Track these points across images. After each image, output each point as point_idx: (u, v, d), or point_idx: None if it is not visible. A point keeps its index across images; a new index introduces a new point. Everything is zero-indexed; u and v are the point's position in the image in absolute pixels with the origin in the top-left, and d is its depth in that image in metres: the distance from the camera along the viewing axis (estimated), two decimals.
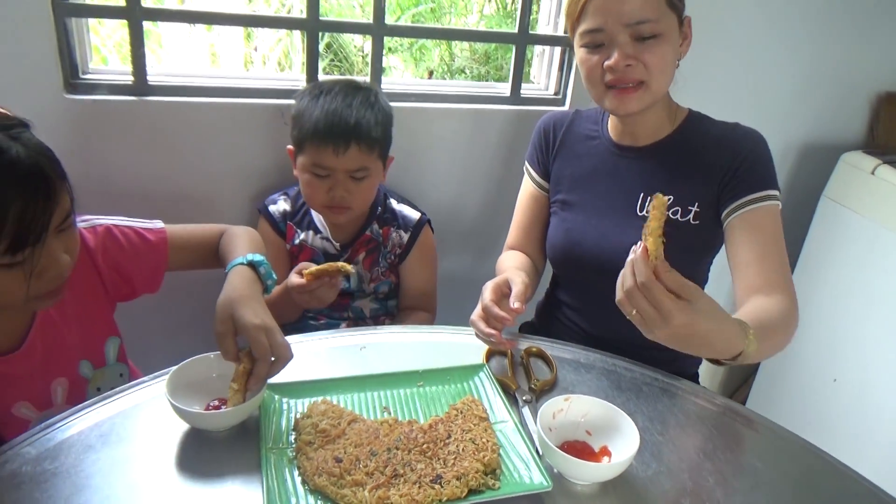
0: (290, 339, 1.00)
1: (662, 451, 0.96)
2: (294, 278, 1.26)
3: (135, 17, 1.42)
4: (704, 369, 2.48)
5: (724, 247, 1.22)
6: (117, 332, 1.19)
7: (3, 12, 1.31)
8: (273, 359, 0.92)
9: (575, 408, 0.94)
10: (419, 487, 0.81)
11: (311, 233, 1.49)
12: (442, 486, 0.82)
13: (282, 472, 0.84)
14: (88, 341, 1.13)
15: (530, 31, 1.69)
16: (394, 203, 1.55)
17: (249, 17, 1.60)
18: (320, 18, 1.52)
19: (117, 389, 0.97)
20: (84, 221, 1.13)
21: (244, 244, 1.16)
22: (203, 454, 0.88)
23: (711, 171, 1.21)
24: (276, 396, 0.97)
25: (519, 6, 1.66)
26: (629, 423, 0.90)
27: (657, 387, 1.11)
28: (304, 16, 1.52)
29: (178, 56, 3.17)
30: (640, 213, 1.26)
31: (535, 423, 0.90)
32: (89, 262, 1.11)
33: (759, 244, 1.15)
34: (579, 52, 1.20)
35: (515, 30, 1.69)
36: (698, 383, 1.44)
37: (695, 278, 1.30)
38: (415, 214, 1.54)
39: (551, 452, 0.86)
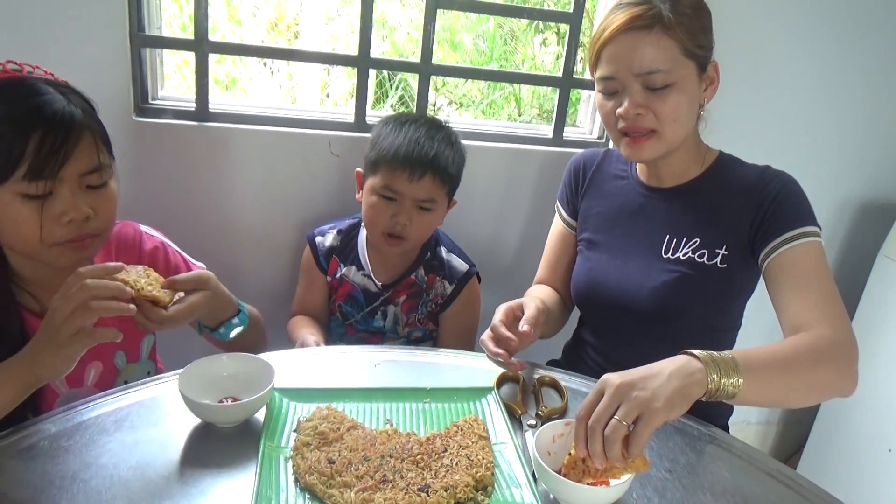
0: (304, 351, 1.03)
1: (667, 487, 0.93)
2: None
3: (201, 49, 1.55)
4: (755, 433, 2.37)
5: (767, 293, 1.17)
6: (153, 332, 1.26)
7: (87, 41, 1.46)
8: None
9: None
10: (405, 494, 0.82)
11: (353, 268, 1.49)
12: (428, 495, 0.82)
13: (276, 468, 0.86)
14: (127, 334, 1.19)
15: (574, 76, 1.73)
16: (443, 251, 1.53)
17: (303, 53, 1.71)
18: (370, 56, 1.61)
19: (138, 381, 1.03)
20: (145, 228, 1.23)
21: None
22: (207, 446, 0.91)
23: (741, 213, 1.18)
24: (285, 400, 1.00)
25: (564, 51, 1.71)
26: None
27: (671, 425, 1.07)
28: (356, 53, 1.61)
29: (261, 89, 3.39)
30: (664, 256, 1.23)
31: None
32: (136, 261, 1.18)
33: (797, 282, 1.10)
34: (597, 97, 1.21)
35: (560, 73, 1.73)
36: (728, 432, 1.37)
37: (725, 323, 1.28)
38: (462, 266, 1.51)
39: (544, 473, 0.85)
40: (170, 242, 1.25)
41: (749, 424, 2.33)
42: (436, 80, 3.88)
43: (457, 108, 4.07)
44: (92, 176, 0.98)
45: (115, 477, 0.83)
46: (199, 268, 1.25)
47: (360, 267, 1.48)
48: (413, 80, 3.71)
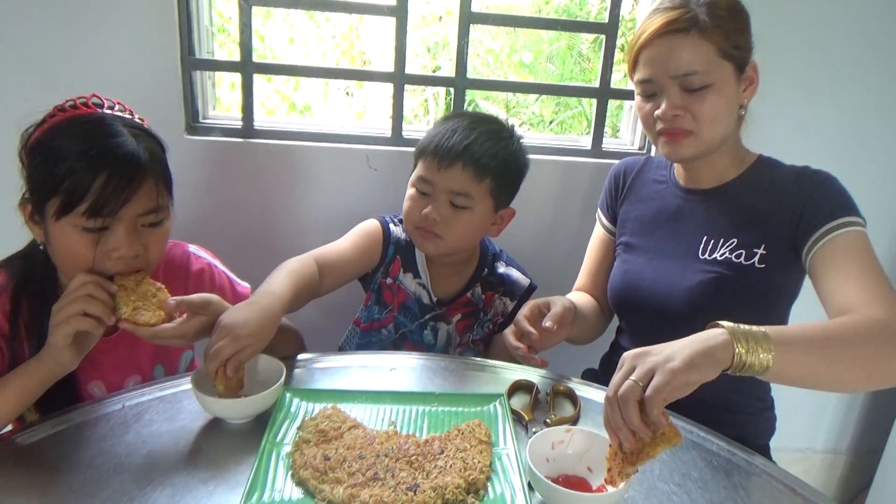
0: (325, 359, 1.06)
1: (674, 501, 0.89)
2: None
3: (247, 70, 1.64)
4: (821, 462, 2.21)
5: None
6: (192, 346, 1.32)
7: (141, 64, 1.57)
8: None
9: (577, 441, 0.91)
10: (392, 492, 0.82)
11: (410, 275, 1.41)
12: (415, 494, 0.82)
13: (274, 462, 0.89)
14: (168, 348, 1.26)
15: (612, 87, 1.71)
16: (501, 267, 1.47)
17: (345, 71, 1.78)
18: (406, 73, 1.66)
19: (161, 379, 1.09)
20: (195, 250, 1.29)
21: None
22: (215, 441, 0.96)
23: (780, 212, 1.16)
24: (295, 399, 1.03)
25: (601, 61, 1.70)
26: None
27: (689, 439, 1.03)
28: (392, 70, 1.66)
29: (336, 110, 3.54)
30: (701, 257, 1.21)
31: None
32: (183, 281, 1.24)
33: (842, 269, 1.05)
34: (636, 99, 1.23)
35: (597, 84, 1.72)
36: (769, 456, 1.30)
37: None
38: (523, 281, 1.45)
39: (535, 478, 0.83)
40: (217, 263, 1.30)
41: (814, 452, 2.19)
42: (508, 101, 3.94)
43: (528, 127, 4.09)
44: (148, 216, 1.04)
45: (126, 465, 0.88)
46: (244, 288, 1.30)
47: (416, 275, 1.42)
48: (481, 98, 3.81)
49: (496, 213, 1.35)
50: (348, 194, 1.73)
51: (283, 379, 1.00)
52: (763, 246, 1.16)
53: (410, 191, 1.34)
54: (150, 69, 1.58)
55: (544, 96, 3.60)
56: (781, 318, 1.24)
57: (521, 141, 1.36)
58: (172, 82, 1.61)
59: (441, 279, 1.42)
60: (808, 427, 2.15)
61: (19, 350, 1.05)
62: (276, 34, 3.35)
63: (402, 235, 1.42)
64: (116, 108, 1.07)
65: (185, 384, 1.06)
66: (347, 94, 3.59)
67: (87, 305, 0.94)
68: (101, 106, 1.05)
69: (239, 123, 1.68)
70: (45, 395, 0.98)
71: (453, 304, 1.42)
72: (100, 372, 1.16)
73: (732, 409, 1.24)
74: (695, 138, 1.15)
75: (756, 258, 1.16)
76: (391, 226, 1.42)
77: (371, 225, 1.42)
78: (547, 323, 1.10)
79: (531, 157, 1.73)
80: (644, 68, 1.17)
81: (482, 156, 1.27)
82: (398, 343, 1.43)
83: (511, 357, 1.19)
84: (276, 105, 3.37)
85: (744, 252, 1.17)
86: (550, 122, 4.02)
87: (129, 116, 1.08)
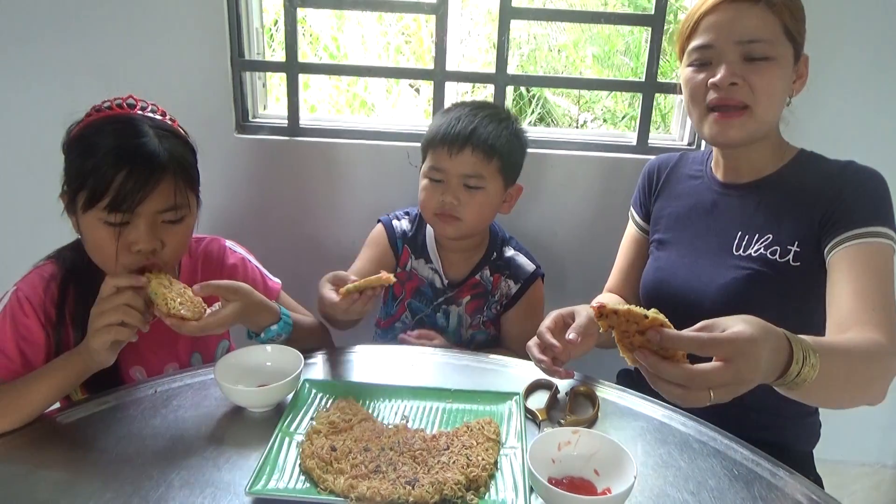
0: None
1: None
2: (327, 292, 1.15)
3: (292, 70, 1.69)
4: (892, 478, 2.06)
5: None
6: (228, 337, 1.38)
7: (194, 66, 1.65)
8: None
9: (584, 443, 0.89)
10: (391, 485, 0.83)
11: (422, 261, 1.50)
12: (413, 488, 0.83)
13: (286, 450, 0.92)
14: (206, 338, 1.32)
15: (659, 80, 1.66)
16: (509, 251, 1.52)
17: (385, 69, 1.80)
18: (447, 70, 1.66)
19: (191, 368, 1.14)
20: (230, 244, 1.35)
21: (300, 316, 1.30)
22: (234, 427, 1.00)
23: (814, 206, 1.10)
24: (314, 391, 1.06)
25: (646, 54, 1.64)
26: (632, 466, 0.83)
27: (711, 446, 0.99)
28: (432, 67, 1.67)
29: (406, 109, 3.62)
30: (735, 253, 1.17)
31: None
32: (218, 274, 1.30)
33: (857, 281, 1.01)
34: (685, 73, 1.17)
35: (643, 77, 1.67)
36: (812, 465, 1.24)
37: (804, 327, 1.15)
38: (529, 266, 1.50)
39: (533, 478, 0.82)
40: (251, 258, 1.36)
41: (885, 468, 2.04)
42: (578, 97, 3.92)
43: (601, 123, 4.01)
44: (168, 213, 1.09)
45: (149, 446, 0.94)
46: (275, 283, 1.36)
47: (428, 260, 1.50)
48: (552, 94, 3.79)
49: (506, 190, 1.43)
50: (390, 190, 1.75)
51: (300, 370, 1.03)
52: (797, 243, 1.11)
53: (423, 182, 1.42)
54: (202, 71, 1.66)
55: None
56: (816, 318, 1.16)
57: (517, 121, 1.45)
58: (223, 83, 1.68)
59: (452, 263, 1.49)
60: (879, 440, 2.01)
61: (65, 336, 1.12)
62: (349, 36, 3.42)
63: (408, 227, 1.52)
64: (149, 108, 1.13)
65: (202, 374, 1.12)
66: (417, 92, 3.63)
67: (125, 316, 0.99)
68: (134, 107, 1.11)
69: (285, 122, 1.73)
70: (92, 377, 1.05)
71: (463, 287, 1.47)
72: (141, 357, 1.23)
73: (772, 412, 1.18)
74: (749, 115, 1.10)
75: (791, 256, 1.11)
76: (394, 221, 1.52)
77: (376, 231, 1.52)
78: (571, 335, 1.05)
79: (573, 153, 1.73)
80: (704, 33, 1.12)
81: (488, 137, 1.35)
82: (416, 329, 1.47)
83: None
84: (347, 102, 3.46)
85: (779, 249, 1.13)
86: (623, 118, 3.93)
87: (161, 118, 1.13)
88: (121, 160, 1.03)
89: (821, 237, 1.08)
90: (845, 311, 0.99)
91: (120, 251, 1.05)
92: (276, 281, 1.36)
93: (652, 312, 0.80)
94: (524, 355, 1.53)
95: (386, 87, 3.61)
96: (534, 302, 1.50)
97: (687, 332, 0.79)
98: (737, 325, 0.78)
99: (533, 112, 4.01)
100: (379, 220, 1.54)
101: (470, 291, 1.49)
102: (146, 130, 1.06)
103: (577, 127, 4.26)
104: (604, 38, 3.94)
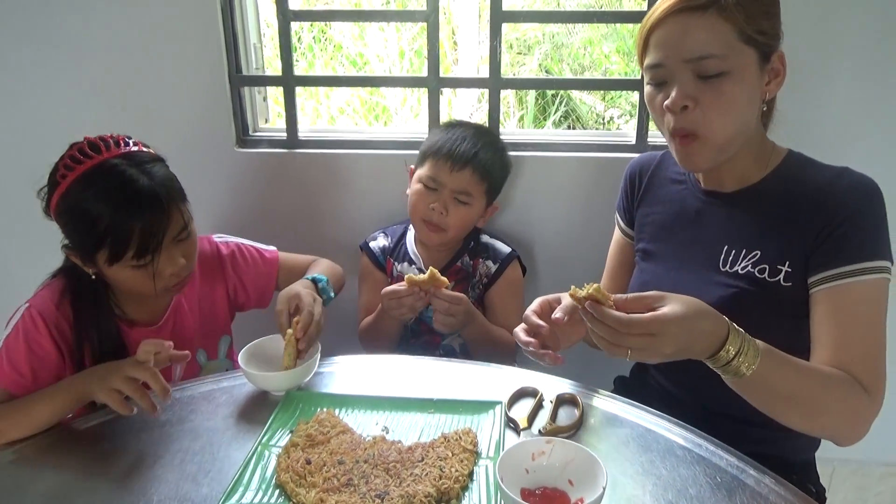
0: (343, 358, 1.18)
1: None
2: (390, 287, 1.36)
3: (288, 84, 1.71)
4: None
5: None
6: (230, 333, 1.42)
7: (192, 85, 1.68)
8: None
9: (557, 453, 0.88)
10: (361, 498, 0.84)
11: (405, 264, 1.59)
12: (383, 502, 0.83)
13: (264, 464, 0.93)
14: (208, 334, 1.38)
15: None
16: (485, 237, 1.62)
17: (379, 79, 1.81)
18: (440, 77, 1.66)
19: (175, 384, 1.18)
20: (220, 238, 1.42)
21: (319, 269, 1.37)
22: (214, 442, 1.01)
23: (806, 224, 1.03)
24: (298, 402, 1.07)
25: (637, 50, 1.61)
26: (602, 475, 0.81)
27: (696, 452, 0.97)
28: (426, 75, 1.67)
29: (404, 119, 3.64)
30: (721, 269, 1.11)
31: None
32: (219, 269, 1.37)
33: (845, 325, 0.98)
34: (646, 91, 1.10)
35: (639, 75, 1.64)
36: (814, 472, 1.20)
37: (799, 348, 1.10)
38: (505, 248, 1.60)
39: (502, 490, 0.81)
40: (241, 240, 1.44)
41: None
42: (604, 94, 4.00)
43: (627, 118, 3.96)
44: (181, 234, 1.17)
45: (129, 461, 0.97)
46: (272, 252, 1.45)
47: (411, 262, 1.60)
48: (576, 92, 3.77)
49: (486, 208, 1.57)
50: (388, 197, 1.75)
51: (318, 354, 1.10)
52: (787, 262, 1.05)
53: (416, 186, 1.51)
54: (201, 88, 1.69)
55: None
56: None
57: (506, 149, 1.61)
58: (222, 99, 1.70)
59: (432, 256, 1.59)
60: None
61: (79, 351, 1.18)
62: (373, 49, 3.45)
63: (386, 242, 1.63)
64: (111, 142, 1.14)
65: (191, 388, 1.15)
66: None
67: (140, 398, 1.02)
68: (98, 148, 1.12)
69: (284, 135, 1.76)
70: None
71: (447, 274, 1.49)
72: None
73: (760, 425, 1.14)
74: (703, 143, 1.03)
75: (781, 276, 1.05)
76: (371, 243, 1.64)
77: (362, 261, 1.64)
78: (557, 314, 1.02)
79: (572, 154, 1.71)
80: (655, 51, 1.04)
81: (486, 162, 1.50)
82: (415, 326, 1.58)
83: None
84: (369, 110, 3.49)
85: (767, 267, 1.06)
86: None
87: (125, 147, 1.15)
88: (130, 216, 1.08)
89: (809, 262, 1.03)
90: (830, 355, 0.98)
91: (156, 280, 1.14)
92: (272, 249, 1.45)
93: (593, 289, 0.88)
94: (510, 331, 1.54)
95: (402, 97, 3.64)
96: (513, 282, 1.59)
97: (611, 311, 0.87)
98: (669, 304, 0.87)
99: (557, 111, 3.97)
100: (360, 248, 1.65)
101: (454, 277, 1.56)
102: (131, 174, 1.10)
103: (603, 123, 4.19)
104: (626, 33, 3.87)
